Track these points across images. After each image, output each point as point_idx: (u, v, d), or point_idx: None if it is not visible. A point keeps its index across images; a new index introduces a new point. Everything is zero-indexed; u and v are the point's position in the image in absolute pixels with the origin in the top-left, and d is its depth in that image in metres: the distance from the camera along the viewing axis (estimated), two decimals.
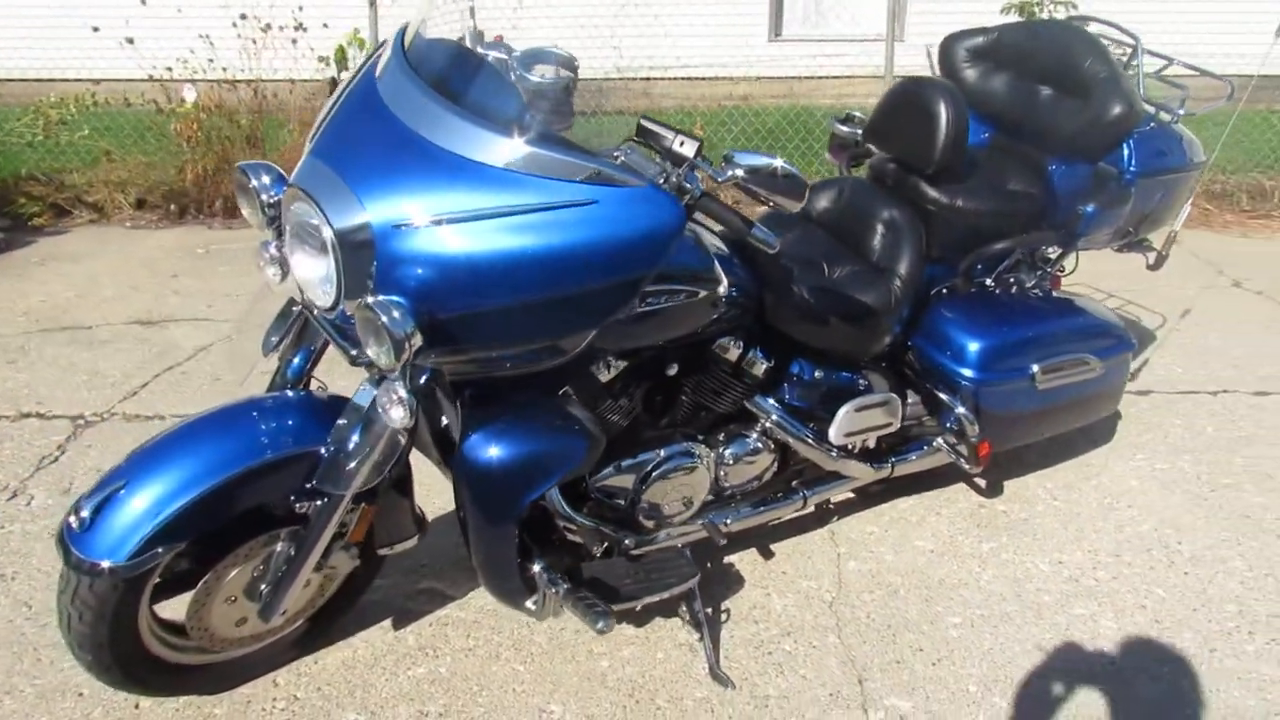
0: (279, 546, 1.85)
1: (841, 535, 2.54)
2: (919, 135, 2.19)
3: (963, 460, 2.37)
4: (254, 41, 5.34)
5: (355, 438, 1.70)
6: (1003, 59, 2.49)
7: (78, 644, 1.73)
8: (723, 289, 1.88)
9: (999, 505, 2.67)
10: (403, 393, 1.58)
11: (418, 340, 1.50)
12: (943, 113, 2.16)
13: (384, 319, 1.48)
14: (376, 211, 1.53)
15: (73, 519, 1.64)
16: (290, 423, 1.78)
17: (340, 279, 1.57)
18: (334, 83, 5.35)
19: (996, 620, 2.21)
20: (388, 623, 2.22)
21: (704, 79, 7.60)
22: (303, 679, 2.05)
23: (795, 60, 7.53)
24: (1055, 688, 2.01)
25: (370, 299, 1.51)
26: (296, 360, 1.93)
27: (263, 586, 1.86)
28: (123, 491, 1.65)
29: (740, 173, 1.60)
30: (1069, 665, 2.08)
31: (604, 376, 1.95)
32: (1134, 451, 2.94)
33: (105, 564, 1.62)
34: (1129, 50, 2.42)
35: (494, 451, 1.72)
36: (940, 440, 2.41)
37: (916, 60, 7.13)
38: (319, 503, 1.77)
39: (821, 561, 2.43)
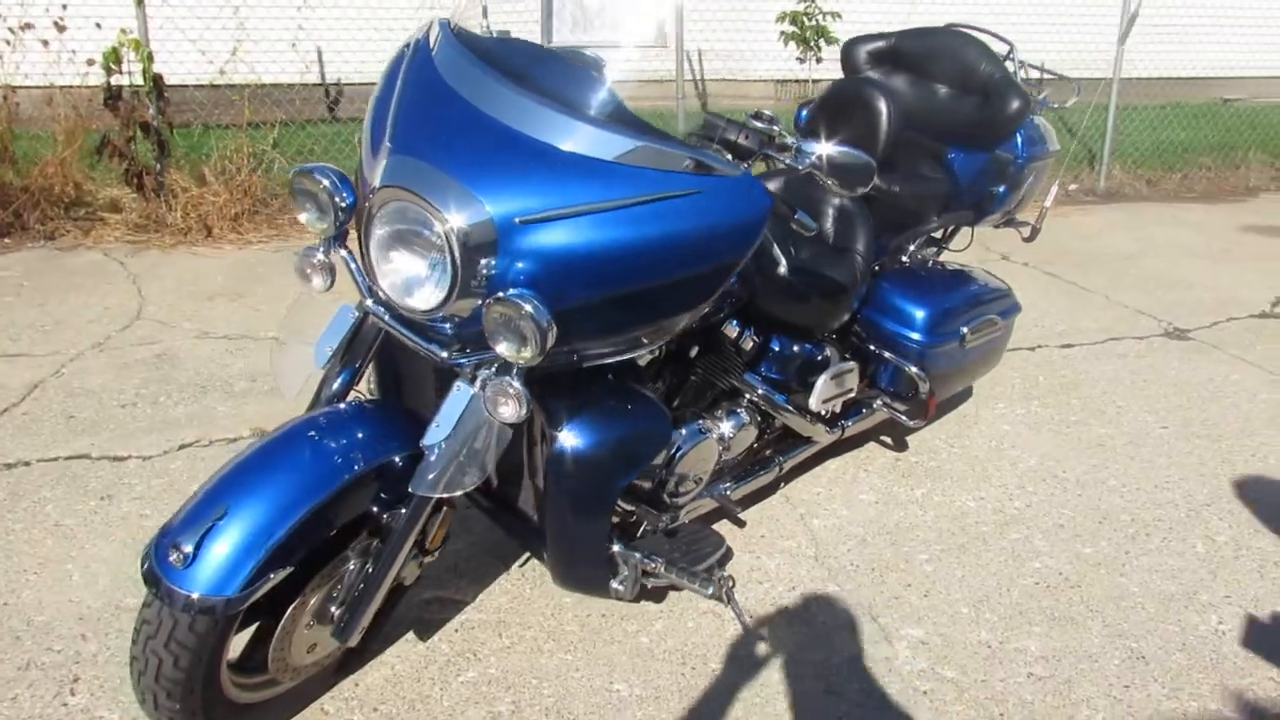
0: (352, 564, 1.79)
1: (796, 499, 2.78)
2: (864, 129, 2.47)
3: (904, 416, 2.68)
4: (6, 43, 4.74)
5: (459, 439, 1.68)
6: (901, 61, 2.85)
7: (165, 694, 1.59)
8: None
9: (911, 458, 3.04)
10: (518, 387, 1.60)
11: (554, 332, 1.54)
12: (884, 108, 2.46)
13: (529, 311, 1.50)
14: (497, 207, 1.54)
15: (172, 556, 1.52)
16: (361, 435, 1.73)
17: (457, 277, 1.56)
18: (112, 90, 4.87)
19: (956, 552, 2.55)
20: (410, 636, 2.18)
21: None
22: (353, 702, 1.98)
23: None
24: (1025, 599, 2.36)
25: (506, 294, 1.53)
26: (347, 372, 1.86)
27: (334, 608, 1.79)
28: (223, 520, 1.55)
29: (815, 160, 1.77)
30: (1028, 578, 2.44)
31: (642, 362, 2.05)
32: (994, 402, 3.43)
33: (215, 598, 1.51)
34: (1004, 53, 2.86)
35: (591, 440, 1.77)
36: (879, 402, 2.71)
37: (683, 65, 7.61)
38: (401, 512, 1.74)
39: (789, 523, 2.66)
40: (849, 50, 2.92)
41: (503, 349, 1.56)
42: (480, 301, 1.60)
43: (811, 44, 5.82)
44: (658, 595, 2.31)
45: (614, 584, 1.93)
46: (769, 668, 2.11)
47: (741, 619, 2.21)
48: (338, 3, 6.89)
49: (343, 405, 1.81)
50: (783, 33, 5.95)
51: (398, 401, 2.01)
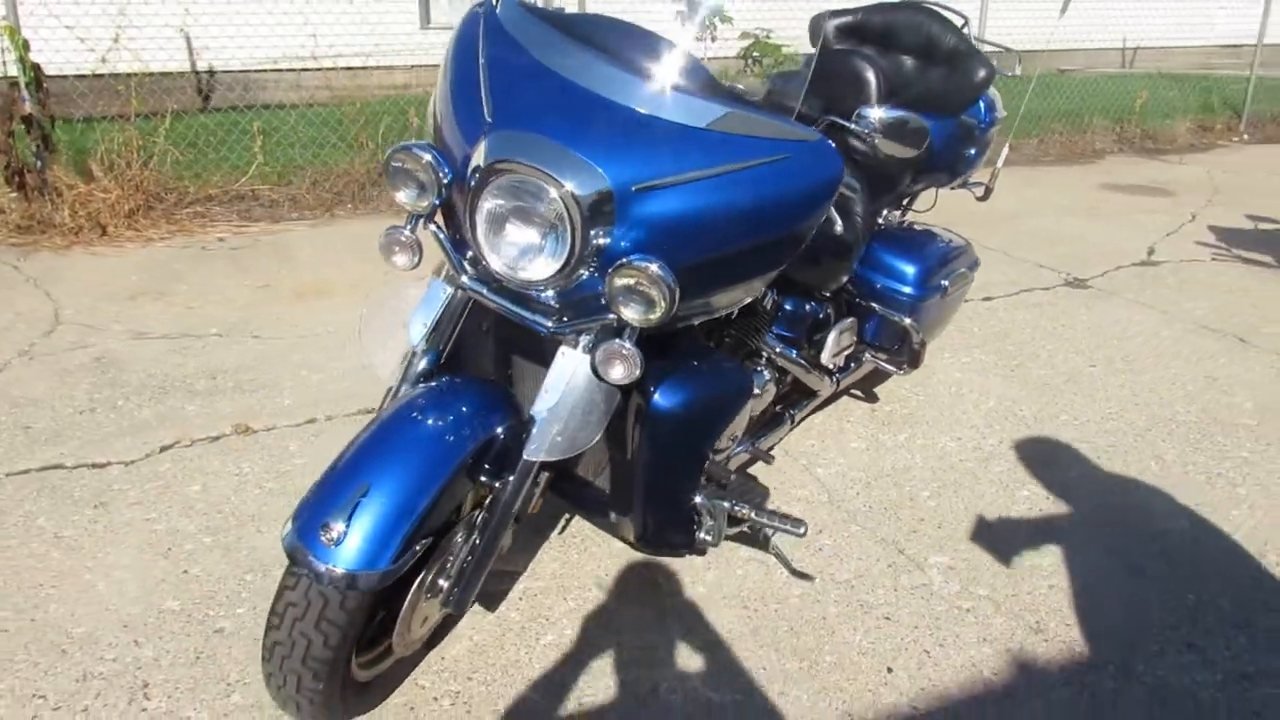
0: (459, 536, 1.82)
1: (795, 452, 2.95)
2: (853, 99, 2.63)
3: (891, 365, 2.89)
4: None
5: (569, 404, 1.73)
6: (868, 35, 3.03)
7: (312, 674, 1.60)
8: None
9: (885, 407, 3.27)
10: (631, 348, 1.67)
11: (678, 294, 1.62)
12: (872, 78, 2.63)
13: (659, 275, 1.58)
14: (614, 176, 1.61)
15: (323, 536, 1.52)
16: (465, 410, 1.76)
17: (575, 246, 1.62)
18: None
19: (953, 487, 2.78)
20: (478, 608, 2.21)
21: (359, 68, 7.44)
22: (445, 674, 2.01)
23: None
24: (1024, 522, 2.61)
25: (631, 260, 1.60)
26: (437, 347, 1.88)
27: (442, 580, 1.81)
28: (366, 497, 1.56)
29: (875, 124, 1.92)
30: (1021, 504, 2.70)
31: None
32: (941, 353, 3.71)
33: (368, 573, 1.53)
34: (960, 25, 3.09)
35: (686, 399, 1.86)
36: (867, 355, 2.91)
37: None
38: (508, 481, 1.78)
39: (795, 474, 2.83)
40: (817, 24, 3.09)
41: (629, 313, 1.63)
42: (588, 270, 1.67)
43: (707, 24, 5.98)
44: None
45: (701, 535, 2.03)
46: (822, 603, 2.27)
47: (786, 564, 2.36)
48: None
49: (441, 382, 1.83)
50: (679, 13, 6.08)
51: (481, 375, 2.04)
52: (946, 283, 2.86)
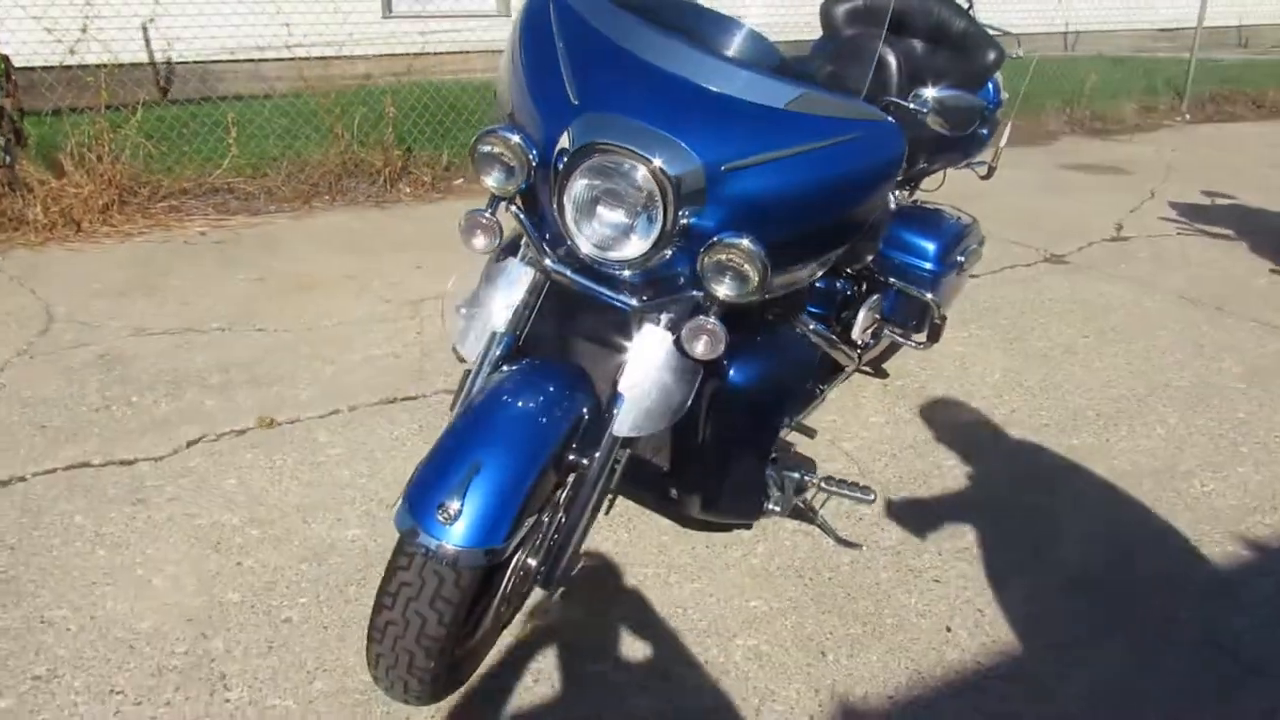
0: (545, 515, 1.85)
1: (819, 427, 3.02)
2: (875, 80, 2.70)
3: (911, 340, 2.98)
4: None
5: (654, 380, 1.78)
6: (876, 19, 3.10)
7: (424, 653, 1.62)
8: None
9: (897, 382, 3.36)
10: (716, 323, 1.72)
11: (770, 269, 1.67)
12: (893, 61, 2.71)
13: (754, 251, 1.63)
14: (704, 155, 1.65)
15: (440, 515, 1.54)
16: (553, 390, 1.78)
17: (666, 225, 1.66)
18: None
19: (975, 456, 2.88)
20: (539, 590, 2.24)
21: (320, 58, 7.32)
22: (522, 652, 2.04)
23: (411, 37, 7.59)
24: (1049, 485, 2.72)
25: (723, 237, 1.65)
26: (516, 329, 1.89)
27: (530, 559, 1.84)
28: (478, 475, 1.58)
29: (933, 104, 1.98)
30: (1044, 471, 2.81)
31: None
32: None
33: (484, 549, 1.56)
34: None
35: (762, 372, 1.91)
36: (886, 330, 2.99)
37: None
38: (595, 457, 1.80)
39: (823, 448, 2.90)
40: (827, 10, 3.15)
41: (723, 289, 1.67)
42: (675, 248, 1.71)
43: None
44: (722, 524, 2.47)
45: (769, 505, 2.09)
46: (873, 569, 2.35)
47: (832, 534, 2.42)
48: None
49: (526, 364, 1.85)
50: None
51: (552, 355, 2.06)
52: (963, 259, 2.95)
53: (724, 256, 1.65)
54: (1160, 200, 5.88)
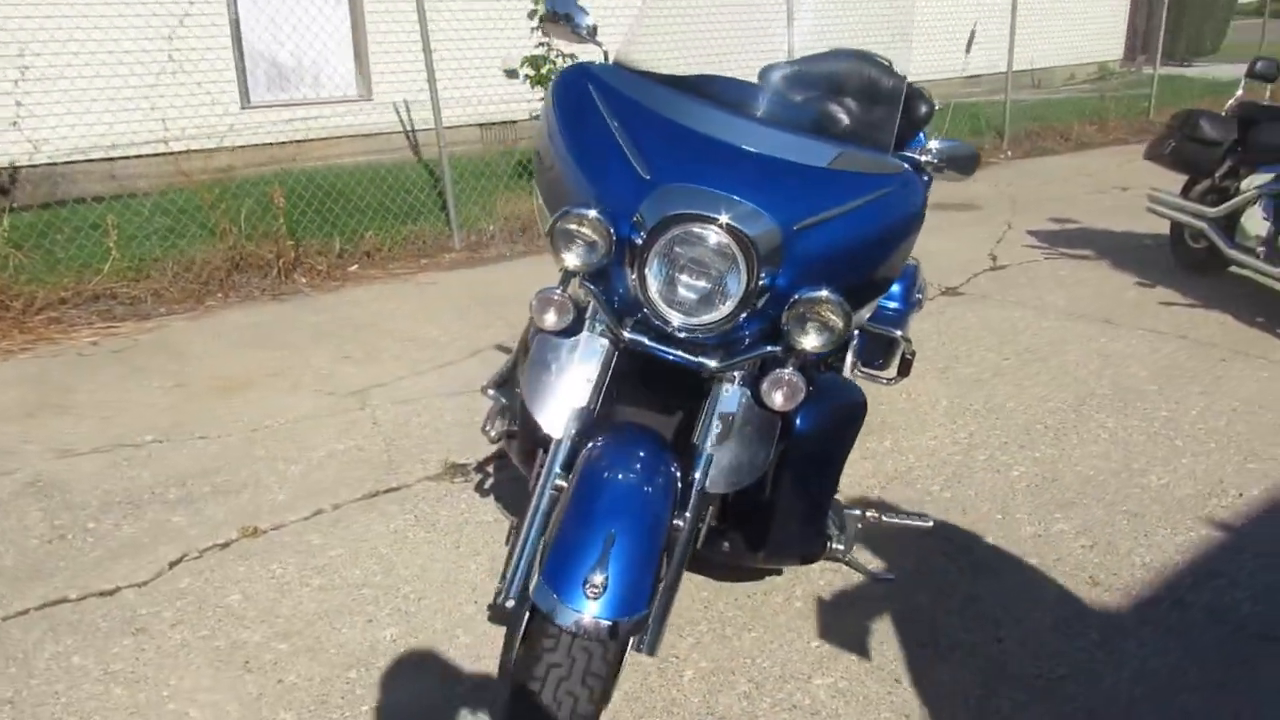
0: None
1: None
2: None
3: (883, 378, 3.15)
4: None
5: (738, 436, 1.84)
6: (811, 81, 3.31)
7: None
8: None
9: None
10: (796, 375, 1.81)
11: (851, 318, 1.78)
12: (845, 118, 2.91)
13: (837, 302, 1.73)
14: (778, 217, 1.76)
15: (588, 590, 1.55)
16: (644, 455, 1.81)
17: (750, 287, 1.75)
18: None
19: (955, 480, 3.07)
20: None
21: (179, 153, 7.05)
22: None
23: (273, 126, 7.42)
24: (1030, 498, 2.94)
25: (803, 293, 1.74)
26: (594, 401, 1.91)
27: None
28: (616, 547, 1.60)
29: (937, 155, 2.15)
30: (1021, 484, 3.03)
31: None
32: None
33: (632, 619, 1.57)
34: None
35: (828, 416, 2.00)
36: (858, 369, 3.16)
37: (387, 117, 7.63)
38: (686, 517, 1.84)
39: None
40: (764, 76, 3.35)
41: (810, 341, 1.77)
42: (753, 308, 1.79)
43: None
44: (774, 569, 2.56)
45: (833, 545, 2.17)
46: (915, 592, 2.46)
47: (864, 570, 2.53)
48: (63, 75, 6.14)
49: (616, 433, 1.87)
50: (527, 76, 6.26)
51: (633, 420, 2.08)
52: (920, 295, 3.17)
53: (810, 310, 1.75)
54: (1018, 230, 6.42)
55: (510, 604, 1.82)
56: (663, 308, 1.79)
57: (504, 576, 1.83)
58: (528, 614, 1.77)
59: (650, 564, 1.62)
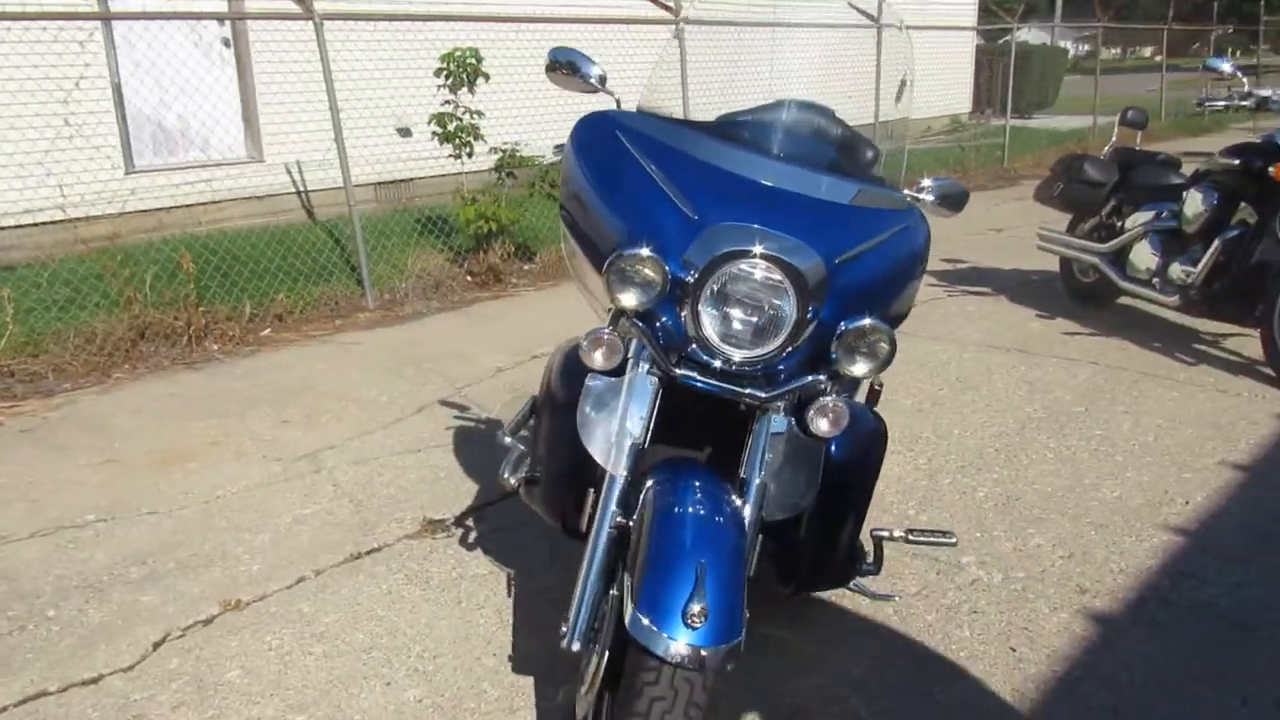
0: None
1: None
2: None
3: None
4: None
5: (788, 464, 1.92)
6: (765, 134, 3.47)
7: None
8: None
9: None
10: (838, 403, 1.91)
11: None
12: None
13: (886, 331, 1.84)
14: (822, 252, 1.86)
15: (689, 621, 1.56)
16: (703, 485, 1.85)
17: (802, 319, 1.84)
18: None
19: (924, 501, 3.22)
20: None
21: (57, 223, 6.71)
22: None
23: (160, 190, 7.15)
24: (997, 515, 3.11)
25: (852, 323, 1.84)
26: (644, 436, 1.94)
27: None
28: (708, 575, 1.63)
29: (933, 193, 2.30)
30: (987, 503, 3.19)
31: None
32: None
33: (730, 645, 1.60)
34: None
35: (861, 443, 2.10)
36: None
37: (279, 179, 7.49)
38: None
39: None
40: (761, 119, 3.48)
41: (858, 369, 1.86)
42: (796, 341, 1.87)
43: (460, 141, 6.21)
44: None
45: (864, 566, 2.25)
46: (918, 614, 2.57)
47: (867, 592, 2.62)
48: None
49: (671, 467, 1.90)
50: (435, 134, 6.26)
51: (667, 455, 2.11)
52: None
53: (858, 340, 1.84)
54: None
55: (576, 647, 1.82)
56: (717, 343, 1.85)
57: (567, 619, 1.84)
58: (605, 653, 1.78)
59: (740, 591, 1.66)
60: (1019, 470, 3.44)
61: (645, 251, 1.81)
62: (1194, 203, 4.60)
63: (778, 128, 2.16)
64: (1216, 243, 4.41)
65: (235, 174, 7.57)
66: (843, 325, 1.85)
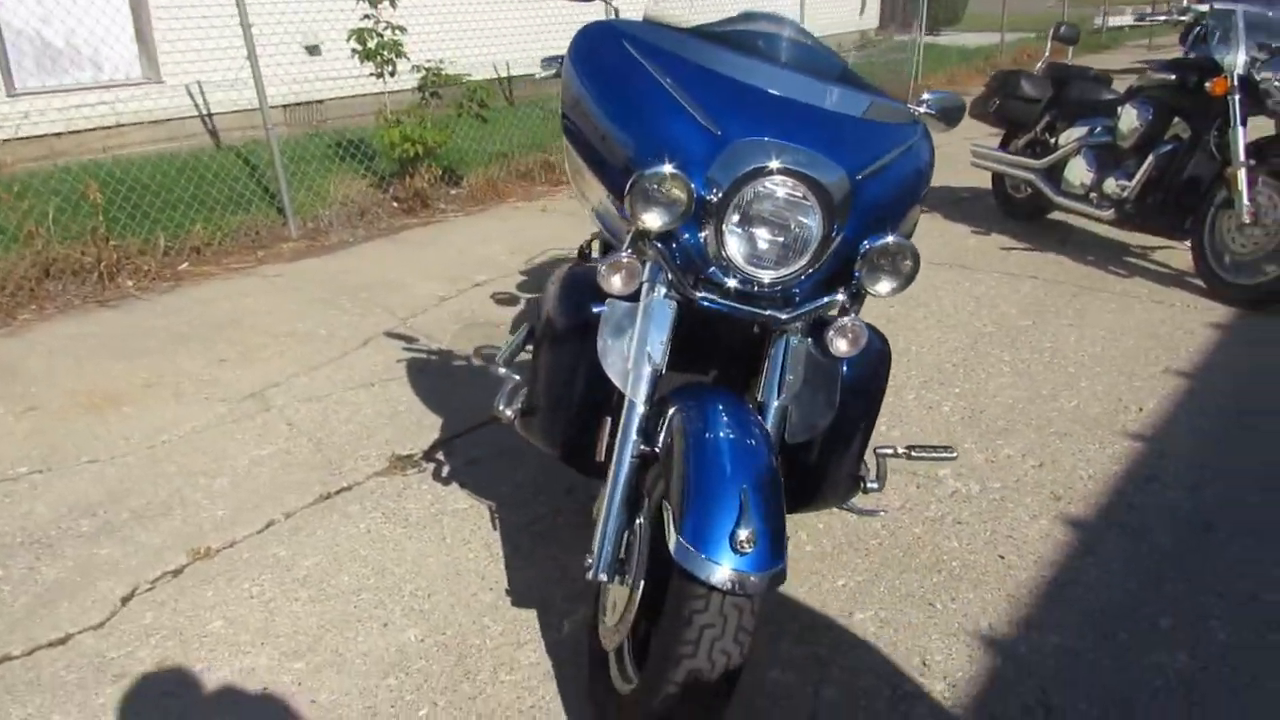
0: None
1: None
2: None
3: None
4: None
5: (808, 384, 1.91)
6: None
7: (726, 688, 1.61)
8: None
9: None
10: (858, 323, 1.89)
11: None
12: None
13: (911, 248, 1.81)
14: (847, 166, 1.82)
15: (738, 547, 1.55)
16: (728, 408, 1.81)
17: (828, 235, 1.80)
18: None
19: (898, 407, 3.27)
20: None
21: None
22: None
23: (49, 115, 6.65)
24: (964, 404, 3.18)
25: (876, 240, 1.81)
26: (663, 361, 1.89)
27: None
28: (751, 501, 1.61)
29: (934, 104, 2.26)
30: (947, 393, 3.27)
31: None
32: None
33: (777, 569, 1.60)
34: None
35: (872, 360, 2.08)
36: None
37: (180, 101, 7.06)
38: None
39: None
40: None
41: (882, 286, 1.84)
42: (818, 262, 1.84)
43: (381, 59, 5.91)
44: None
45: (869, 484, 2.26)
46: (909, 525, 2.62)
47: (854, 509, 2.66)
48: None
49: (694, 392, 1.86)
50: (354, 51, 5.93)
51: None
52: None
53: (883, 258, 1.82)
54: None
55: (604, 579, 1.80)
56: (743, 264, 1.80)
57: (592, 550, 1.81)
58: (640, 584, 1.76)
59: (782, 515, 1.65)
60: (979, 384, 3.52)
61: (670, 169, 1.73)
62: (1129, 118, 4.70)
63: (783, 38, 2.08)
64: (1151, 157, 4.53)
65: (130, 97, 7.08)
66: (866, 244, 1.82)
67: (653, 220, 1.76)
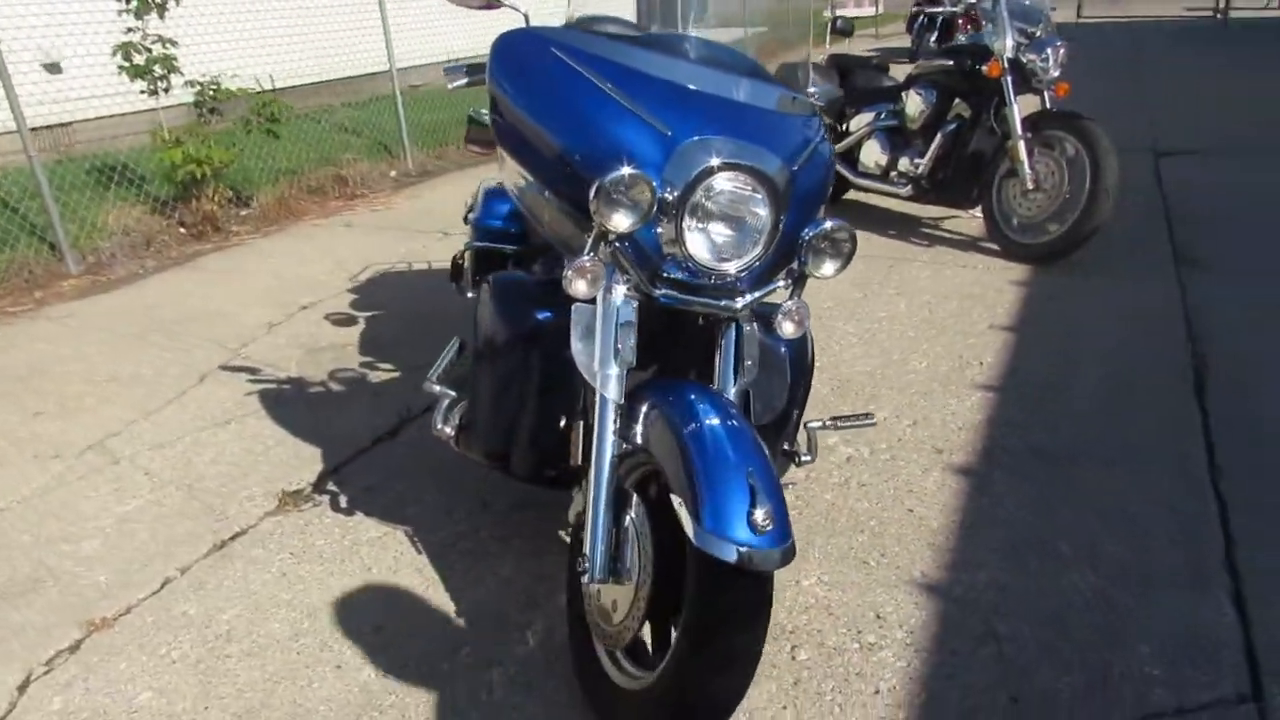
0: None
1: None
2: None
3: None
4: None
5: (763, 369, 2.01)
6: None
7: (751, 663, 1.68)
8: None
9: None
10: (801, 306, 2.01)
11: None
12: None
13: (850, 230, 1.94)
14: (788, 159, 1.93)
15: (756, 525, 1.61)
16: (699, 397, 1.88)
17: (777, 227, 1.90)
18: None
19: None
20: None
21: None
22: None
23: None
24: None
25: (819, 227, 1.93)
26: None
27: None
28: (756, 481, 1.68)
29: (821, 95, 2.41)
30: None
31: None
32: None
33: (787, 548, 1.68)
34: None
35: (805, 341, 2.21)
36: None
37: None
38: None
39: None
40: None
41: (827, 269, 1.96)
42: (767, 251, 1.94)
43: (152, 75, 5.46)
44: None
45: (802, 458, 2.38)
46: (826, 488, 2.79)
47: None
48: None
49: (666, 386, 1.90)
50: (121, 67, 5.43)
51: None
52: None
53: (824, 242, 1.94)
54: None
55: (598, 579, 1.82)
56: (705, 257, 1.87)
57: (585, 554, 1.83)
58: (649, 581, 1.80)
59: (782, 492, 1.73)
60: (836, 355, 3.77)
61: (631, 171, 1.77)
62: (914, 102, 5.15)
63: (696, 38, 2.16)
64: (939, 136, 5.00)
65: None
66: (809, 230, 1.93)
67: (620, 222, 1.78)
